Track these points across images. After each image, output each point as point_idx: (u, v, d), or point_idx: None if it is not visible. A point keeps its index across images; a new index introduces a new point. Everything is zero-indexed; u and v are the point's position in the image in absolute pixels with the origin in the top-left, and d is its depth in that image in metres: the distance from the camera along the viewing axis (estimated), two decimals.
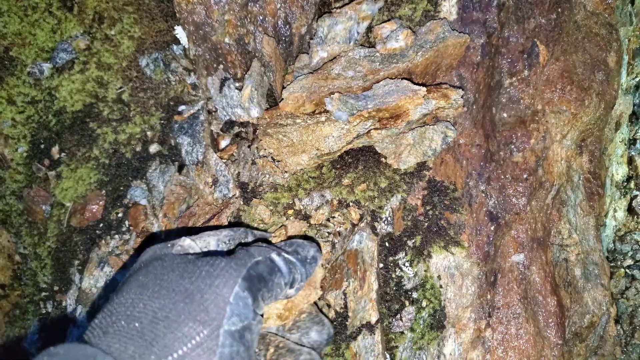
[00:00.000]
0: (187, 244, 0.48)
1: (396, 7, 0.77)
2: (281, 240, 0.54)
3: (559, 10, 0.88)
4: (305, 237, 0.71)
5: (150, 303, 0.38)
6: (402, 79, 0.66)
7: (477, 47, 0.81)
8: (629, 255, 1.42)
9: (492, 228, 0.77)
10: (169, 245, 0.47)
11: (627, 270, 1.40)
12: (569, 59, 0.89)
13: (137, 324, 0.36)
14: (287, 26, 0.80)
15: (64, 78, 0.92)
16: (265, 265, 0.44)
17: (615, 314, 1.39)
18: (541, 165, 0.83)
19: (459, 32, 0.74)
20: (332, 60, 0.70)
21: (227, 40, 0.80)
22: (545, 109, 0.85)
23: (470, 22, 0.81)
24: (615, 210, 1.41)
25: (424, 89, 0.64)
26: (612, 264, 1.42)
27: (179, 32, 0.88)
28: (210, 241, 0.50)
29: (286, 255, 0.48)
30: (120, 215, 0.89)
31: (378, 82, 0.69)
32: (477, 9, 0.81)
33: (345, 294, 0.68)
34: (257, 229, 0.66)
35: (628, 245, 1.42)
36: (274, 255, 0.46)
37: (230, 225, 0.72)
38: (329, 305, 0.68)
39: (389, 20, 0.76)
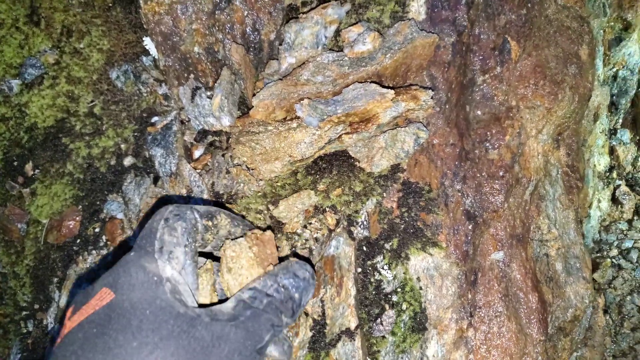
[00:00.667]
0: (171, 275, 0.40)
1: (364, 9, 0.76)
2: (276, 266, 0.48)
3: (529, 5, 0.88)
4: (295, 255, 0.70)
5: None
6: (371, 82, 0.66)
7: (448, 46, 0.81)
8: (615, 244, 1.42)
9: (469, 227, 0.77)
10: (155, 279, 0.38)
11: (613, 260, 1.40)
12: (541, 54, 0.89)
13: None
14: (256, 33, 0.79)
15: (33, 94, 0.90)
16: (270, 339, 0.41)
17: (603, 304, 1.40)
18: (517, 161, 0.83)
19: (428, 32, 0.74)
20: (300, 65, 0.70)
21: (196, 49, 0.79)
22: (519, 104, 0.85)
23: (440, 21, 0.81)
24: (599, 201, 1.42)
25: (392, 91, 0.63)
26: (598, 254, 1.42)
27: (148, 43, 0.87)
28: (178, 253, 0.41)
29: (286, 324, 0.44)
30: (97, 230, 0.88)
31: (348, 86, 0.68)
32: (446, 7, 0.81)
33: (322, 302, 0.67)
34: (240, 217, 0.61)
35: (613, 234, 1.43)
36: (279, 335, 0.44)
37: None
38: (306, 314, 0.67)
39: (356, 23, 0.75)
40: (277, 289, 0.43)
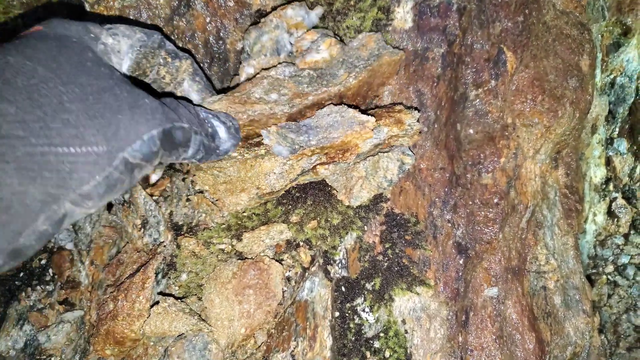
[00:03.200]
0: (110, 43, 0.46)
1: (342, 16, 0.67)
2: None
3: (527, 11, 0.80)
4: None
5: (61, 88, 0.36)
6: (344, 104, 0.57)
7: (437, 57, 0.72)
8: (610, 260, 1.36)
9: (461, 261, 0.69)
10: (92, 35, 0.43)
11: (608, 277, 1.34)
12: (540, 65, 0.81)
13: (38, 97, 0.34)
14: (220, 42, 0.70)
15: None
16: (184, 135, 0.45)
17: (598, 323, 1.33)
18: (513, 186, 0.75)
19: (394, 48, 0.65)
20: (251, 79, 0.60)
21: None
22: (515, 122, 0.77)
23: (429, 30, 0.72)
24: (594, 214, 1.35)
25: (373, 119, 0.54)
26: (593, 271, 1.36)
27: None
28: (122, 44, 0.47)
29: (205, 141, 0.49)
30: (43, 262, 0.78)
31: (307, 107, 0.59)
32: (436, 14, 0.72)
33: (293, 356, 0.58)
34: (175, 45, 0.60)
35: (609, 250, 1.36)
36: (194, 135, 0.47)
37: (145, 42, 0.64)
38: None
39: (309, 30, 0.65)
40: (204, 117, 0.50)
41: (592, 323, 0.80)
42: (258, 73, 0.59)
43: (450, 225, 0.70)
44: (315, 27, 0.67)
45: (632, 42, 1.22)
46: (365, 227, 0.65)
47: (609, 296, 1.29)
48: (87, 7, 0.68)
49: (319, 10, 0.64)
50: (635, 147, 1.34)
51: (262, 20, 0.61)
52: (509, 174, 0.74)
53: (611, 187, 1.34)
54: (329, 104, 0.57)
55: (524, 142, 0.77)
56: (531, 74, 0.79)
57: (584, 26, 0.91)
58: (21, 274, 0.78)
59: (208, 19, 0.67)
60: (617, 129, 1.34)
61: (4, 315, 0.77)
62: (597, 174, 1.31)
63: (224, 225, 0.66)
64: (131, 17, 0.68)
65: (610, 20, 1.20)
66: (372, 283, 0.64)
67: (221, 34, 0.69)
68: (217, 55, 0.70)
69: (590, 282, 1.31)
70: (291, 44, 0.61)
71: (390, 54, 0.61)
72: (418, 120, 0.61)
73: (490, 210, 0.71)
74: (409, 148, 0.64)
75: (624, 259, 1.32)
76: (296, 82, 0.55)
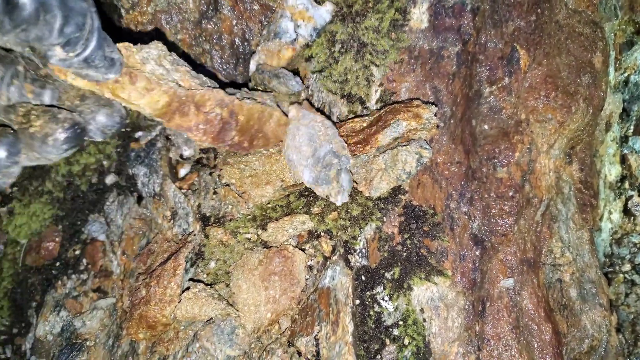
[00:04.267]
0: None
1: (361, 17, 0.70)
2: None
3: (539, 10, 0.82)
4: None
5: None
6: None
7: (452, 56, 0.75)
8: (627, 259, 1.35)
9: (477, 253, 0.71)
10: None
11: (626, 276, 1.34)
12: (553, 63, 0.83)
13: None
14: (246, 43, 0.74)
15: None
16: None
17: (616, 322, 1.33)
18: (528, 179, 0.77)
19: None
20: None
21: None
22: (529, 118, 0.79)
23: (444, 30, 0.75)
24: (610, 212, 1.35)
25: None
26: (610, 269, 1.36)
27: None
28: None
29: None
30: (77, 252, 0.82)
31: None
32: (450, 14, 0.75)
33: (317, 340, 0.61)
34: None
35: (626, 248, 1.36)
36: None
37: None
38: (299, 353, 0.62)
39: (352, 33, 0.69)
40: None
41: (609, 317, 0.81)
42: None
43: (466, 217, 0.72)
44: (331, 22, 0.70)
45: None
46: (385, 218, 0.67)
47: (627, 295, 1.29)
48: (123, 12, 0.72)
49: (329, 7, 0.67)
50: None
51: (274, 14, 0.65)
52: (523, 168, 0.76)
53: (627, 185, 1.34)
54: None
55: (538, 138, 0.79)
56: (544, 71, 0.81)
57: (597, 24, 0.92)
58: (57, 264, 0.83)
59: (234, 22, 0.71)
60: (632, 127, 1.34)
61: (42, 302, 0.81)
62: (612, 171, 1.31)
63: (249, 216, 0.69)
64: (162, 21, 0.72)
65: (623, 19, 1.21)
66: (392, 272, 0.67)
67: (246, 36, 0.73)
68: (242, 56, 0.74)
69: (607, 281, 1.31)
70: (296, 32, 0.64)
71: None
72: (435, 115, 0.64)
73: (506, 203, 0.73)
74: (427, 142, 0.66)
75: None
76: None
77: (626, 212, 1.37)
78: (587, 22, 0.92)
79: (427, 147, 0.66)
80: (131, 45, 0.52)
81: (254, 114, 0.58)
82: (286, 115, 0.63)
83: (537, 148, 0.79)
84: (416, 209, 0.69)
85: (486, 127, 0.77)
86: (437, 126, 0.69)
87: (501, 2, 0.79)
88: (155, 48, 0.53)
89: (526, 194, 0.76)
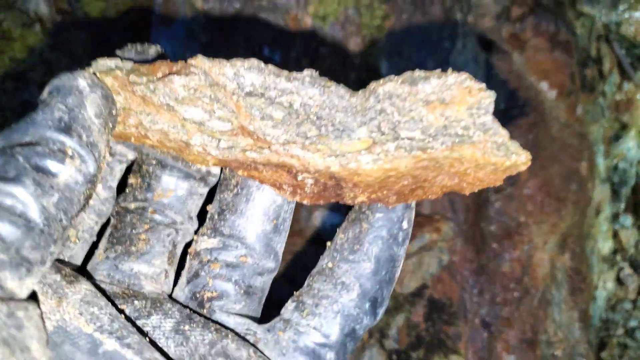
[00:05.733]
0: None
1: None
2: None
3: (536, 130, 1.02)
4: None
5: None
6: None
7: None
8: (620, 324, 1.51)
9: (485, 335, 0.88)
10: None
11: (619, 340, 1.49)
12: (547, 173, 1.02)
13: None
14: None
15: None
16: None
17: None
18: (527, 272, 0.95)
19: None
20: None
21: None
22: (528, 220, 0.98)
23: None
24: (604, 282, 1.52)
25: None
26: (605, 334, 1.51)
27: None
28: None
29: None
30: None
31: None
32: None
33: None
34: None
35: (619, 314, 1.52)
36: None
37: None
38: None
39: None
40: None
41: None
42: None
43: (477, 305, 0.90)
44: None
45: (630, 134, 1.43)
46: (412, 309, 0.85)
47: (620, 357, 1.43)
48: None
49: None
50: (639, 222, 1.51)
51: None
52: (523, 263, 0.94)
53: (618, 257, 1.51)
54: None
55: (535, 237, 0.97)
56: (540, 181, 1.00)
57: (583, 136, 1.12)
58: None
59: None
60: (623, 206, 1.52)
61: None
62: (605, 246, 1.48)
63: None
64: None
65: (610, 117, 1.41)
66: (417, 353, 0.84)
67: None
68: None
69: (603, 344, 1.46)
70: None
71: None
72: (452, 227, 0.82)
73: (509, 293, 0.91)
74: (446, 249, 0.85)
75: (633, 323, 1.47)
76: None
77: (619, 281, 1.53)
78: (576, 134, 1.12)
79: (446, 252, 0.85)
80: None
81: None
82: None
83: (534, 245, 0.97)
84: (437, 302, 0.86)
85: (492, 228, 0.95)
86: (453, 239, 0.88)
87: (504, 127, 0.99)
88: None
89: (525, 285, 0.94)
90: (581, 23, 1.36)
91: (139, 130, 0.29)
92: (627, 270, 1.51)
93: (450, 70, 0.28)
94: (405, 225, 0.33)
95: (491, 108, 0.28)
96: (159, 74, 0.27)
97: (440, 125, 0.28)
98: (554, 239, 1.00)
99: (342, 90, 0.29)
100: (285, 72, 0.28)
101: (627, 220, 1.52)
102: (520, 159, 0.28)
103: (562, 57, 1.11)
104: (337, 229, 0.34)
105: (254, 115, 0.28)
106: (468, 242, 0.93)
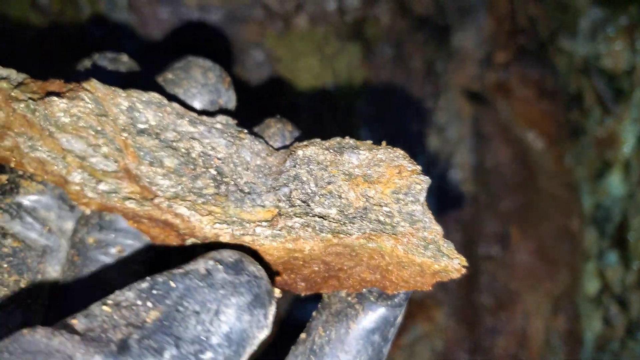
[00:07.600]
0: None
1: None
2: None
3: (525, 188, 0.97)
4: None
5: None
6: None
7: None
8: None
9: None
10: None
11: None
12: (538, 234, 0.97)
13: None
14: None
15: None
16: None
17: None
18: (523, 345, 0.89)
19: None
20: None
21: None
22: (520, 288, 0.92)
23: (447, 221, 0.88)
24: (591, 322, 1.49)
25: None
26: None
27: None
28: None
29: None
30: None
31: None
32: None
33: None
34: None
35: (608, 354, 1.49)
36: None
37: None
38: None
39: None
40: None
41: None
42: None
43: None
44: None
45: (614, 170, 1.40)
46: None
47: None
48: None
49: None
50: (624, 259, 1.49)
51: None
52: (518, 335, 0.89)
53: (604, 298, 1.49)
54: None
55: (529, 304, 0.92)
56: (531, 243, 0.95)
57: (571, 186, 1.08)
58: None
59: None
60: (607, 244, 1.50)
61: None
62: (591, 287, 1.45)
63: None
64: None
65: (593, 154, 1.39)
66: None
67: None
68: None
69: None
70: None
71: None
72: (445, 313, 0.76)
73: None
74: (439, 338, 0.78)
75: None
76: None
77: (606, 321, 1.51)
78: (564, 184, 1.07)
79: (439, 339, 0.78)
80: None
81: None
82: None
83: (528, 313, 0.92)
84: None
85: (484, 300, 0.89)
86: (446, 329, 0.81)
87: (495, 186, 0.93)
88: None
89: (520, 358, 0.88)
90: (561, 59, 1.33)
91: (14, 155, 0.26)
92: (614, 309, 1.49)
93: (384, 143, 0.25)
94: (399, 320, 0.28)
95: (422, 196, 0.24)
96: (43, 93, 0.23)
97: (361, 207, 0.24)
98: (547, 303, 0.95)
99: (259, 145, 0.25)
100: (192, 114, 0.24)
101: (612, 257, 1.50)
102: (452, 264, 0.24)
103: (549, 107, 1.07)
104: (314, 315, 0.28)
105: (142, 158, 0.23)
106: (459, 319, 0.87)
